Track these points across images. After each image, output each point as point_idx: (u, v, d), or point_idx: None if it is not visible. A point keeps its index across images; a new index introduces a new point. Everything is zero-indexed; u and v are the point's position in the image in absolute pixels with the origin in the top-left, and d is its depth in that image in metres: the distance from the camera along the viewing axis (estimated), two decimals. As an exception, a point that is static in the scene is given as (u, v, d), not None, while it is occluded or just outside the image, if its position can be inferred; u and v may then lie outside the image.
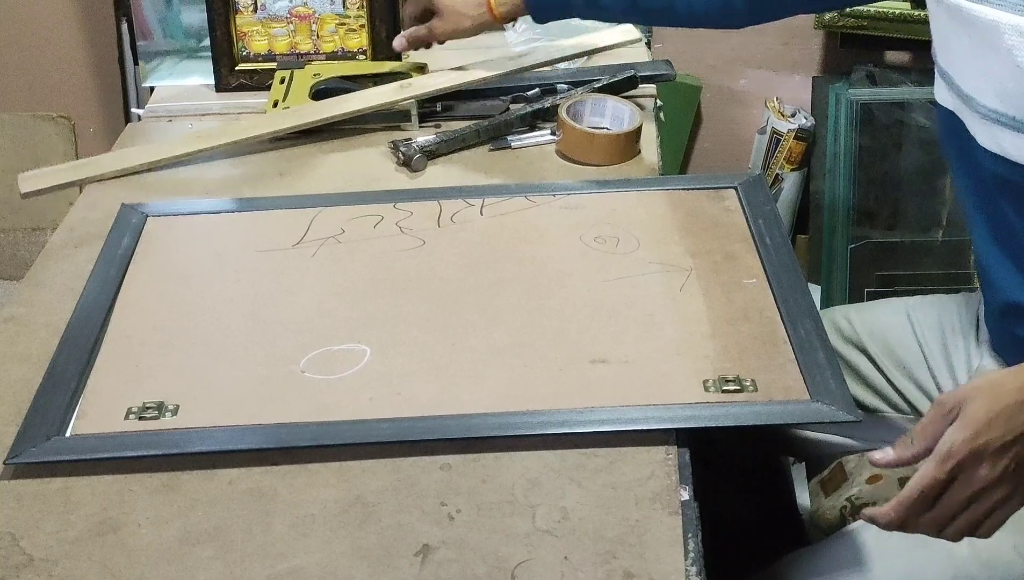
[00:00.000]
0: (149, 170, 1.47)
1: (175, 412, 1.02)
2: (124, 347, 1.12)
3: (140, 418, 1.02)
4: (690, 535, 0.88)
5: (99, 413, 1.03)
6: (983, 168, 1.04)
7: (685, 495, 0.92)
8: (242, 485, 0.95)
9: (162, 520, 0.92)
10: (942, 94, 1.09)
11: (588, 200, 1.34)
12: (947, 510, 0.88)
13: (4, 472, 0.97)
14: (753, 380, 1.02)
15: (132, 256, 1.27)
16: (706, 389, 1.01)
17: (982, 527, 0.89)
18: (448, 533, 0.89)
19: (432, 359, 1.07)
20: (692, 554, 0.87)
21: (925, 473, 0.87)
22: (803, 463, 1.51)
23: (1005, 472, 0.86)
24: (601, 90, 1.56)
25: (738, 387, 1.01)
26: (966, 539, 0.94)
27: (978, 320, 1.25)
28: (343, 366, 1.07)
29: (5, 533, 0.91)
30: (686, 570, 0.85)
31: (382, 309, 1.15)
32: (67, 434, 1.01)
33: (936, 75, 1.10)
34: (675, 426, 0.98)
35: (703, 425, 0.98)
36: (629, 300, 1.15)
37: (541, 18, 1.50)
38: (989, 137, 1.01)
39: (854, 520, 1.12)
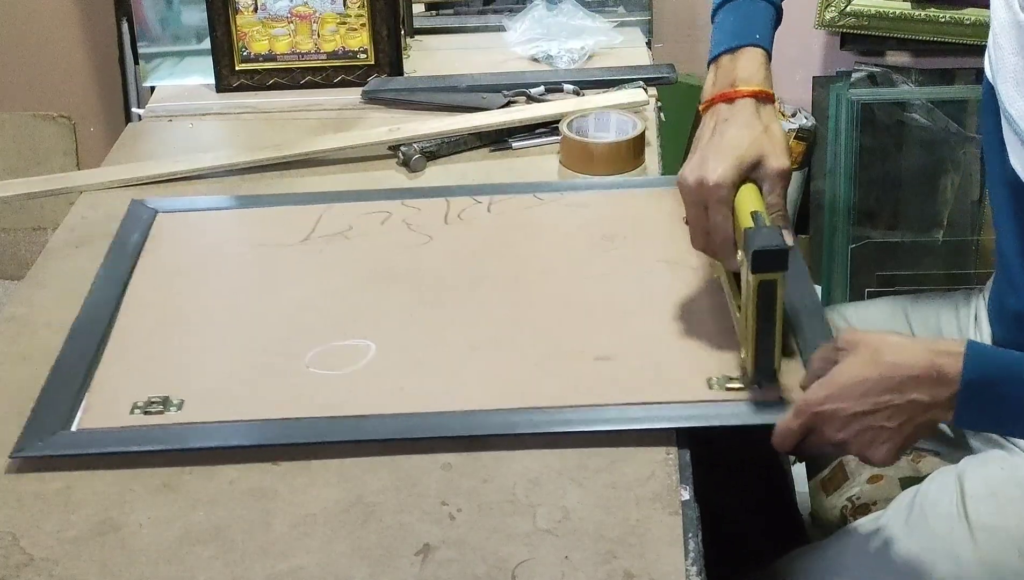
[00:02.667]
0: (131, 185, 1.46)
1: (180, 407, 1.02)
2: (131, 342, 1.12)
3: (145, 413, 1.01)
4: (690, 535, 0.88)
5: (104, 408, 1.03)
6: (1014, 181, 1.00)
7: (685, 495, 0.92)
8: (243, 485, 0.95)
9: (163, 520, 0.92)
10: (988, 68, 1.03)
11: (596, 198, 1.34)
12: (802, 451, 0.97)
13: (9, 466, 0.97)
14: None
15: (141, 252, 1.27)
16: (709, 387, 1.01)
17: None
18: (449, 533, 0.89)
19: (437, 355, 1.07)
20: (692, 554, 0.87)
21: (782, 421, 0.95)
22: (803, 463, 1.51)
23: (848, 436, 0.93)
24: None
25: (742, 385, 1.01)
26: (971, 544, 0.96)
27: (975, 318, 1.25)
28: (347, 362, 1.07)
29: (6, 533, 0.91)
30: (686, 570, 0.85)
31: (388, 305, 1.16)
32: (72, 428, 1.00)
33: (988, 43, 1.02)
34: (677, 425, 0.97)
35: (705, 424, 0.97)
36: (636, 297, 1.15)
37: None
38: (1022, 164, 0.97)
39: (854, 520, 1.12)
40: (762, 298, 0.95)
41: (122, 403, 1.03)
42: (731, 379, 1.01)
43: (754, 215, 0.98)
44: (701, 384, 1.01)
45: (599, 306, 1.13)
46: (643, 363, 1.05)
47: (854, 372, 0.92)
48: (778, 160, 1.02)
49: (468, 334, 1.10)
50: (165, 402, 1.02)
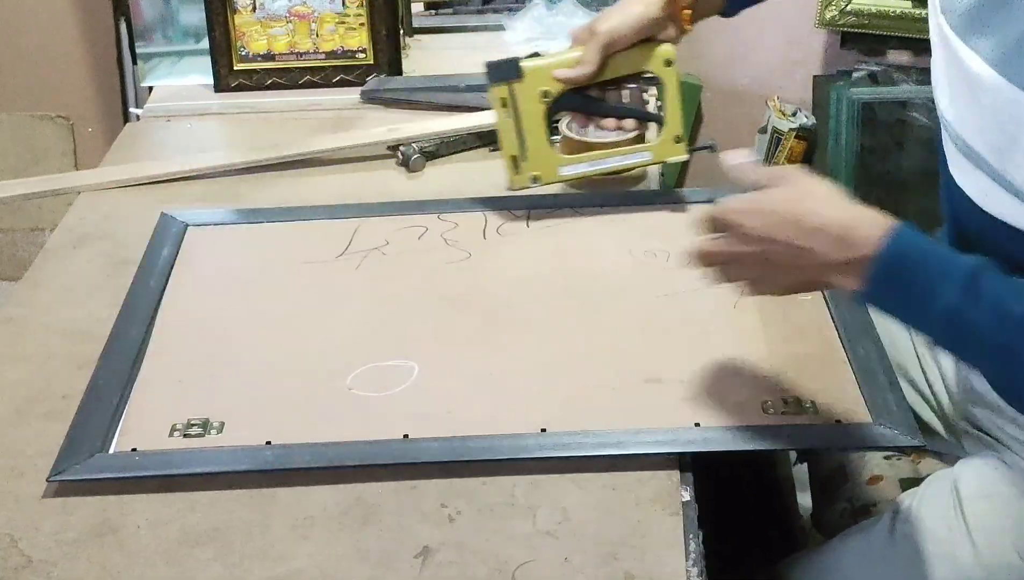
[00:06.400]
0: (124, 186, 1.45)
1: (220, 430, 1.00)
2: (167, 361, 1.09)
3: (185, 435, 0.99)
4: (691, 536, 0.88)
5: (143, 429, 1.00)
6: (958, 202, 0.95)
7: (686, 496, 0.92)
8: (241, 486, 0.95)
9: (161, 521, 0.91)
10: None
11: (636, 213, 1.31)
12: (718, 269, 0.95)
13: (47, 490, 0.95)
14: (813, 402, 0.99)
15: (173, 267, 1.24)
16: (765, 411, 0.98)
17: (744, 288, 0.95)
18: (448, 535, 0.89)
19: (482, 376, 1.05)
20: (693, 555, 0.87)
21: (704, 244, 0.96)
22: (803, 463, 1.51)
23: (741, 256, 0.92)
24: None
25: (798, 409, 0.98)
26: (969, 546, 0.95)
27: None
28: (391, 383, 1.04)
29: (4, 534, 0.91)
30: (687, 571, 0.85)
31: (429, 324, 1.13)
32: (111, 451, 0.98)
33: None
34: (736, 449, 0.95)
35: (765, 447, 0.95)
36: (682, 316, 1.12)
37: (733, 11, 1.30)
38: (964, 177, 0.93)
39: (855, 522, 1.12)
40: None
41: (161, 425, 1.00)
42: (785, 403, 0.99)
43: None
44: (756, 407, 0.98)
45: (646, 326, 1.11)
46: (693, 385, 1.01)
47: (773, 201, 0.90)
48: None
49: (512, 355, 1.07)
50: (205, 425, 1.00)
